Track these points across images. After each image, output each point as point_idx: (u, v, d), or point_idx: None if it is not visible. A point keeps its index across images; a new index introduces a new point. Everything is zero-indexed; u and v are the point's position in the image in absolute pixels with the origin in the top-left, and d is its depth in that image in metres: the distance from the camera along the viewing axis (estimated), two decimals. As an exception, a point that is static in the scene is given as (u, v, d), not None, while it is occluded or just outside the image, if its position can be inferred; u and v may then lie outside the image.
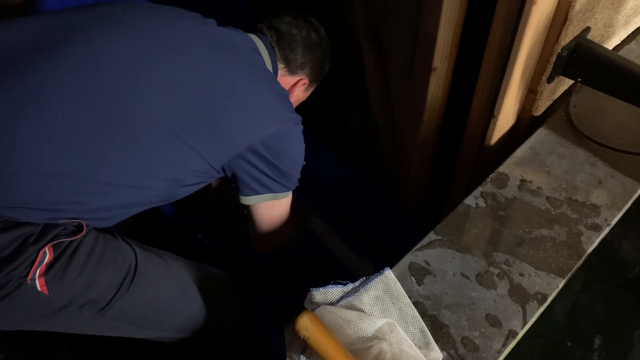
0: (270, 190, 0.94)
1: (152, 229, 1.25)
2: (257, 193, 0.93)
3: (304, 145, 0.96)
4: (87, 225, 0.80)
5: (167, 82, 0.80)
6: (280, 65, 1.02)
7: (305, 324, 0.72)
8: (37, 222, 0.74)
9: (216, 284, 1.00)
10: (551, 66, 0.95)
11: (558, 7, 0.87)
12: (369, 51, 1.20)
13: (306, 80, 1.08)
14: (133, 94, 0.78)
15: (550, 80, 0.97)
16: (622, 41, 1.18)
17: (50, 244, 0.75)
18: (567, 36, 0.91)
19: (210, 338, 1.00)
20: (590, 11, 0.92)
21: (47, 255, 0.74)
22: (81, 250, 0.78)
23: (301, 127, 0.94)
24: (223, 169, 0.90)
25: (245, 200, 0.93)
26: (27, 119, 0.73)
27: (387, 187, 1.41)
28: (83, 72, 0.77)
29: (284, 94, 0.94)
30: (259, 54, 0.96)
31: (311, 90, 1.14)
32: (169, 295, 0.89)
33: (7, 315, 0.76)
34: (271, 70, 0.99)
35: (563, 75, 0.98)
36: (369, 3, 1.11)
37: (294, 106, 1.10)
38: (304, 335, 0.72)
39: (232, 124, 0.85)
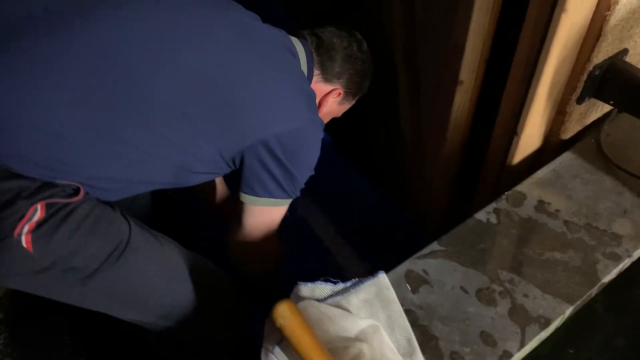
0: (270, 195, 0.91)
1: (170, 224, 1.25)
2: (256, 195, 0.90)
3: (319, 152, 0.93)
4: (85, 192, 0.80)
5: (190, 65, 0.80)
6: (316, 72, 1.01)
7: (283, 313, 0.68)
8: (34, 177, 0.74)
9: (209, 277, 0.97)
10: (581, 85, 0.90)
11: (592, 20, 0.83)
12: (403, 71, 1.18)
13: (341, 91, 1.05)
14: (152, 74, 0.78)
15: (580, 101, 0.93)
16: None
17: (43, 202, 0.74)
18: (600, 53, 0.86)
19: (197, 332, 0.97)
20: (629, 31, 0.87)
21: (38, 212, 0.74)
22: (75, 215, 0.77)
23: (322, 133, 0.92)
24: (233, 161, 0.88)
25: (242, 197, 0.91)
26: (46, 78, 0.74)
27: (408, 206, 1.37)
28: (108, 43, 0.77)
29: (311, 95, 0.93)
30: (295, 55, 0.95)
31: (347, 105, 1.11)
32: (155, 277, 0.87)
33: None
34: (306, 74, 0.97)
35: (595, 97, 0.93)
36: (409, 18, 1.09)
37: (327, 118, 1.09)
38: (280, 324, 0.68)
39: (250, 114, 0.83)
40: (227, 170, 0.91)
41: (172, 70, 0.79)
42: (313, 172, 0.94)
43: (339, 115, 1.13)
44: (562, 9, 0.77)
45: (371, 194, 1.37)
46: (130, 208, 0.93)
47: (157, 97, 0.78)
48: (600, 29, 0.82)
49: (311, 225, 1.42)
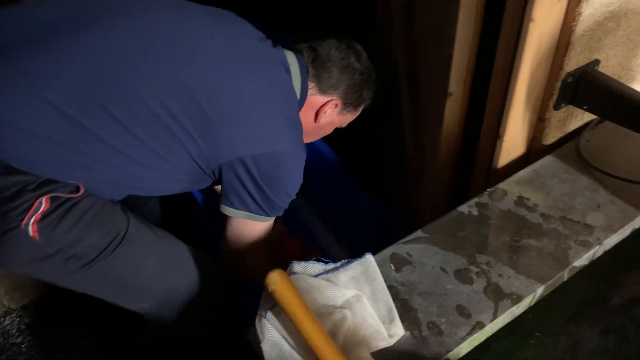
0: (248, 209, 0.92)
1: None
2: (234, 207, 0.92)
3: (300, 179, 0.95)
4: (85, 189, 0.85)
5: (178, 78, 0.83)
6: (312, 84, 1.01)
7: (275, 278, 0.76)
8: (35, 174, 0.80)
9: (203, 269, 1.01)
10: (557, 92, 0.98)
11: (562, 31, 0.92)
12: (406, 88, 1.26)
13: (338, 102, 1.04)
14: (138, 81, 0.82)
15: (557, 107, 1.01)
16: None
17: (48, 195, 0.80)
18: (571, 62, 0.95)
19: (189, 321, 1.01)
20: (597, 42, 0.96)
21: (43, 205, 0.80)
22: (77, 209, 0.83)
23: (302, 160, 0.93)
24: (213, 173, 0.91)
25: (222, 208, 0.93)
26: (45, 86, 0.80)
27: (407, 213, 1.44)
28: (97, 51, 0.81)
29: (295, 121, 0.94)
30: (288, 71, 0.96)
31: (349, 115, 1.10)
32: (150, 266, 0.92)
33: (5, 254, 0.83)
34: (299, 89, 0.98)
35: (570, 104, 1.01)
36: (409, 39, 1.17)
37: (329, 128, 1.11)
38: (272, 289, 0.76)
39: (228, 132, 0.86)
40: (211, 181, 0.94)
41: (159, 80, 0.82)
42: (293, 197, 0.95)
43: (344, 125, 1.13)
44: (530, 19, 0.86)
45: (369, 203, 1.44)
46: (140, 214, 0.99)
47: (141, 103, 0.81)
48: (569, 39, 0.92)
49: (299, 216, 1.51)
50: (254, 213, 0.93)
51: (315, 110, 1.03)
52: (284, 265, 0.92)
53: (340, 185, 1.52)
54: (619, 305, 0.93)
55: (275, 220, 0.99)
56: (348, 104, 1.06)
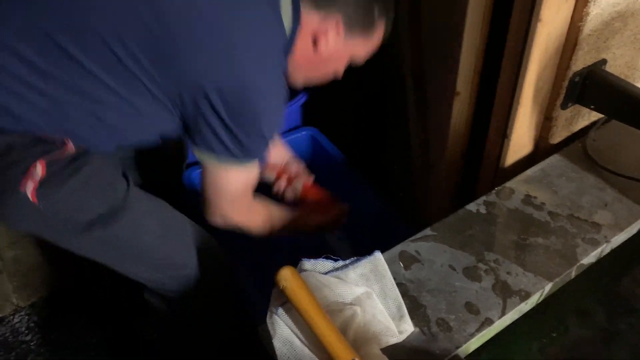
0: (212, 151, 0.83)
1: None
2: (197, 147, 0.84)
3: (278, 120, 0.86)
4: (74, 144, 0.82)
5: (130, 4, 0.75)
6: (305, 1, 0.83)
7: (286, 276, 0.77)
8: (17, 131, 0.78)
9: (201, 239, 0.99)
10: (564, 92, 0.99)
11: (569, 31, 0.93)
12: (411, 88, 1.27)
13: (340, 19, 0.84)
14: (86, 4, 0.76)
15: (564, 106, 1.02)
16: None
17: (43, 160, 0.78)
18: (578, 61, 0.96)
19: (189, 293, 1.00)
20: (605, 42, 0.97)
21: (40, 171, 0.78)
22: (77, 176, 0.82)
23: (280, 98, 0.83)
24: (177, 104, 0.81)
25: (193, 151, 0.87)
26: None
27: (414, 212, 1.45)
28: None
29: (274, 52, 0.82)
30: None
31: (359, 43, 0.90)
32: (150, 231, 0.91)
33: (5, 214, 0.82)
34: (289, 10, 0.82)
35: (577, 103, 1.02)
36: (415, 40, 1.18)
37: (335, 64, 0.92)
38: (283, 286, 0.77)
39: (185, 57, 0.76)
40: (178, 118, 0.84)
41: (107, 4, 0.76)
42: (270, 140, 0.86)
43: (358, 60, 0.94)
44: (538, 19, 0.87)
45: (375, 202, 1.44)
46: None
47: (96, 32, 0.75)
48: (576, 39, 0.92)
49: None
50: (218, 154, 0.83)
51: (312, 35, 0.85)
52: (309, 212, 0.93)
53: (346, 184, 1.53)
54: (625, 303, 0.94)
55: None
56: (354, 24, 0.86)
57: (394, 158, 1.53)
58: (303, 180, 1.18)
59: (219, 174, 0.87)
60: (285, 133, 1.59)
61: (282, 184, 1.19)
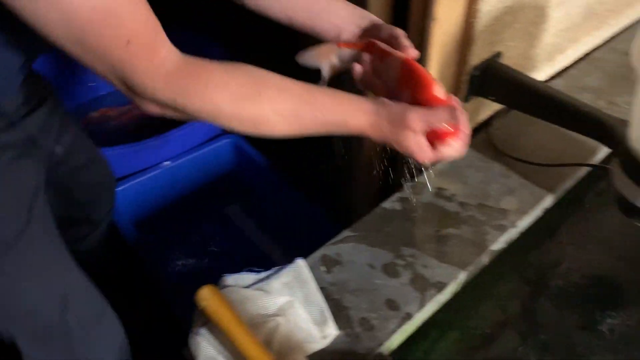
0: None
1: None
2: None
3: None
4: None
5: None
6: None
7: (205, 295, 0.77)
8: None
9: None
10: (465, 86, 1.03)
11: (463, 28, 0.97)
12: None
13: None
14: None
15: (466, 100, 1.06)
16: (551, 77, 1.28)
17: None
18: (475, 56, 1.00)
19: None
20: (498, 36, 1.02)
21: None
22: None
23: None
24: None
25: None
26: None
27: (338, 212, 1.47)
28: None
29: None
30: None
31: None
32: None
33: None
34: None
35: (478, 95, 1.07)
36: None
37: None
38: (203, 305, 0.76)
39: None
40: None
41: None
42: None
43: None
44: (432, 18, 0.90)
45: (303, 204, 1.46)
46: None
47: None
48: (470, 35, 0.96)
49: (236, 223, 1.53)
50: None
51: None
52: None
53: (273, 191, 1.53)
54: (540, 283, 0.98)
55: None
56: None
57: (318, 159, 1.54)
58: (402, 54, 0.71)
59: None
60: (206, 143, 1.57)
61: (365, 61, 0.74)
